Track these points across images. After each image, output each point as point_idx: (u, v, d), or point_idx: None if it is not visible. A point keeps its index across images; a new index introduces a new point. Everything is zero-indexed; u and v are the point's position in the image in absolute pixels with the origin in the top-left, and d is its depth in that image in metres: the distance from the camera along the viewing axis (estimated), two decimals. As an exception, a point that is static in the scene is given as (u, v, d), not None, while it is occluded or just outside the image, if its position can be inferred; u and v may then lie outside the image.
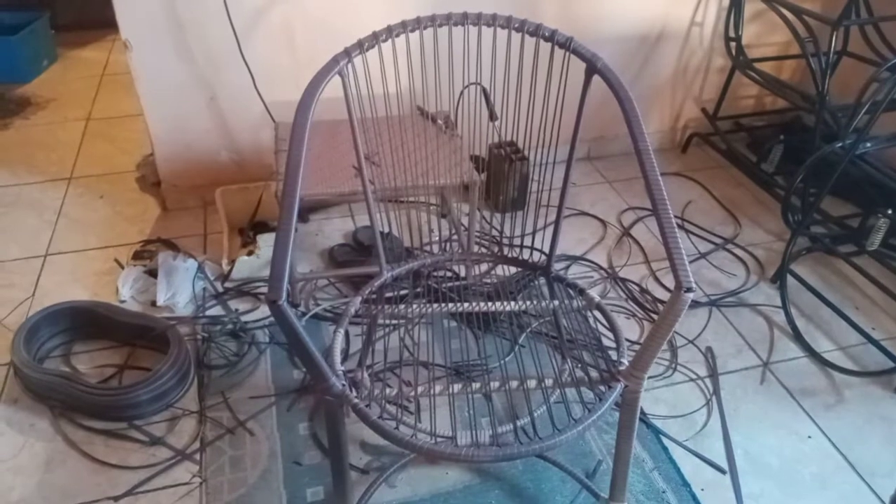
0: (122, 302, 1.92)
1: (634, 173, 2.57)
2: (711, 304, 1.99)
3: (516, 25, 1.23)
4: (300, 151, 1.08)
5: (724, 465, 1.54)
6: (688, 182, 2.57)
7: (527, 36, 1.23)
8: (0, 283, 1.99)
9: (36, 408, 1.62)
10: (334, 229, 2.26)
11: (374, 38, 1.20)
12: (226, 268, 1.96)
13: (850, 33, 2.37)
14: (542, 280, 1.44)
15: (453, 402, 1.31)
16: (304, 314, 1.89)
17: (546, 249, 1.43)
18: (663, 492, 1.47)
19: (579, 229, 2.28)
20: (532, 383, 1.17)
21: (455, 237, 2.15)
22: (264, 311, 1.90)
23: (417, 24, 1.22)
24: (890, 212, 1.88)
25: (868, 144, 1.83)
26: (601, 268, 2.11)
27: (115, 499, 1.43)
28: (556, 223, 1.40)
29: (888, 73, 1.74)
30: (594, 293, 1.37)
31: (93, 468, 1.49)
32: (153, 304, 1.89)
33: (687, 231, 2.29)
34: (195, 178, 2.28)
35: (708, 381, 1.74)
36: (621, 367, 1.16)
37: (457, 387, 1.16)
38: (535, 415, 1.52)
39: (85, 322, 1.78)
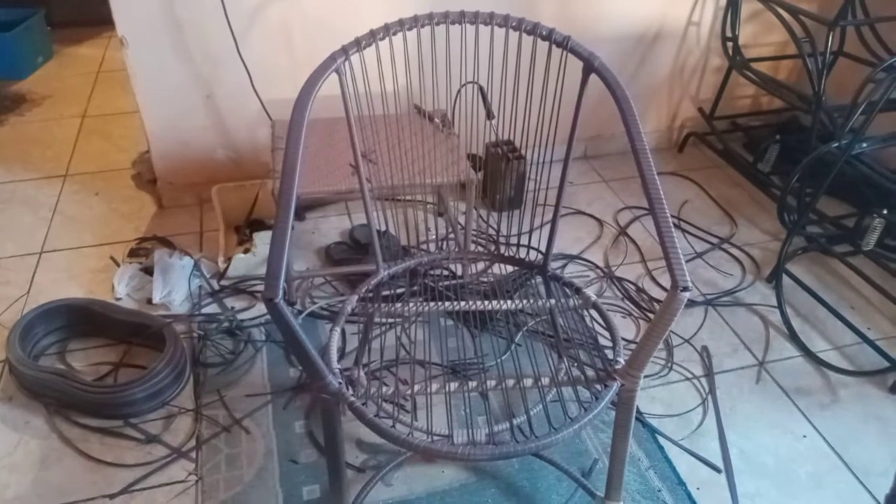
0: (118, 299, 1.91)
1: (631, 172, 2.57)
2: (707, 304, 1.99)
3: (514, 24, 1.23)
4: (297, 149, 1.08)
5: (720, 464, 1.54)
6: (684, 181, 2.57)
7: (524, 35, 1.23)
8: (-5, 280, 1.99)
9: (31, 405, 1.61)
10: (331, 227, 2.25)
11: (372, 37, 1.20)
12: (222, 266, 1.96)
13: (847, 34, 2.38)
14: (539, 279, 1.44)
15: (450, 401, 1.31)
16: (300, 312, 1.89)
17: (543, 248, 1.43)
18: (659, 491, 1.48)
19: (576, 228, 2.28)
20: (528, 382, 1.17)
21: (452, 236, 2.15)
22: (260, 309, 1.90)
23: (415, 22, 1.22)
24: (885, 212, 1.89)
25: (864, 145, 1.83)
26: (598, 267, 2.11)
27: (111, 497, 1.43)
28: (553, 222, 1.40)
29: (884, 74, 1.75)
30: (591, 292, 1.37)
31: (88, 466, 1.49)
32: (149, 301, 1.89)
33: (683, 230, 2.30)
34: (191, 176, 2.28)
35: (704, 380, 1.75)
36: (617, 366, 1.17)
37: (453, 385, 1.16)
38: (532, 413, 1.53)
39: (80, 319, 1.78)
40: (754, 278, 2.10)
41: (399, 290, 1.41)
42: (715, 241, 2.25)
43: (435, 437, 1.08)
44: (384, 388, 1.16)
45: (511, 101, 1.35)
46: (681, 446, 1.58)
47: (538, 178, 1.51)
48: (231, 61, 2.06)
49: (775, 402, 1.70)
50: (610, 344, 1.24)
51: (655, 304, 1.98)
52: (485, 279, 2.00)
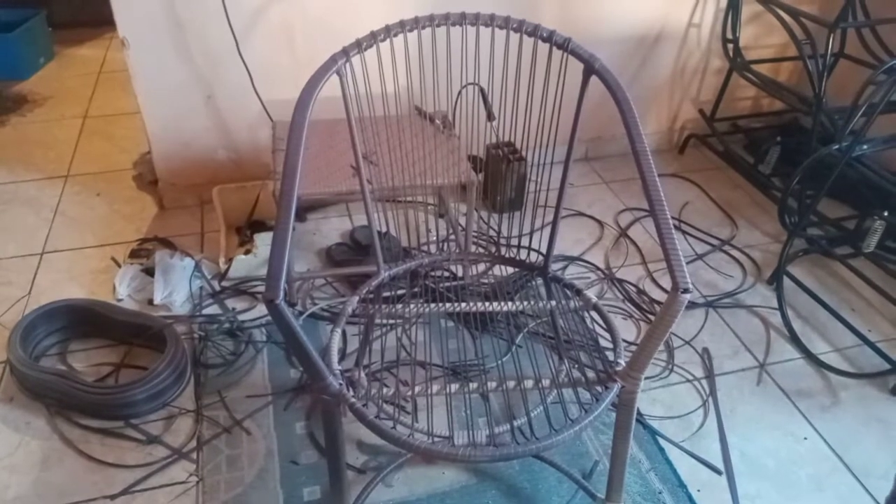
0: (119, 300, 1.91)
1: (632, 174, 2.57)
2: (708, 306, 1.99)
3: (514, 26, 1.23)
4: (298, 150, 1.08)
5: (721, 466, 1.54)
6: (685, 183, 2.57)
7: (525, 36, 1.24)
8: (-4, 280, 1.99)
9: (32, 406, 1.61)
10: (332, 228, 2.26)
11: (373, 38, 1.20)
12: (223, 266, 1.96)
13: (847, 36, 2.38)
14: (540, 280, 1.44)
15: (450, 402, 1.31)
16: (301, 313, 1.89)
17: (543, 250, 1.43)
18: (660, 493, 1.48)
19: (576, 230, 2.28)
20: (529, 383, 1.17)
21: (452, 237, 2.15)
22: (261, 310, 1.90)
23: (416, 23, 1.22)
24: (886, 214, 1.89)
25: (864, 147, 1.83)
26: (598, 268, 2.11)
27: (112, 497, 1.43)
28: (554, 224, 1.40)
29: (885, 76, 1.75)
30: (591, 294, 1.37)
31: (89, 467, 1.49)
32: (150, 302, 1.89)
33: (684, 232, 2.30)
34: (192, 177, 2.28)
35: (704, 382, 1.75)
36: (618, 368, 1.17)
37: (454, 387, 1.16)
38: (532, 415, 1.52)
39: (81, 320, 1.78)
40: (755, 280, 2.10)
41: (400, 292, 1.42)
42: (715, 242, 2.25)
43: (435, 439, 1.08)
44: (385, 390, 1.16)
45: (512, 103, 1.35)
46: (681, 448, 1.57)
47: (539, 180, 1.50)
48: (232, 62, 2.06)
49: (776, 404, 1.70)
50: (610, 346, 1.24)
51: (656, 305, 1.98)
52: (485, 280, 2.00)
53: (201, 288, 1.97)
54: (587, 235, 2.26)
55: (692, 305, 1.98)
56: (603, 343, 1.71)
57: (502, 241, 2.18)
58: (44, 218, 2.27)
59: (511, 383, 1.17)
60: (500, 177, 2.26)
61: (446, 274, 2.01)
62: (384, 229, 1.68)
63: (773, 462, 1.56)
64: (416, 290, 1.39)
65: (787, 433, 1.63)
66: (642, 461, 1.54)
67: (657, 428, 1.61)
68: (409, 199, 2.33)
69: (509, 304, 1.36)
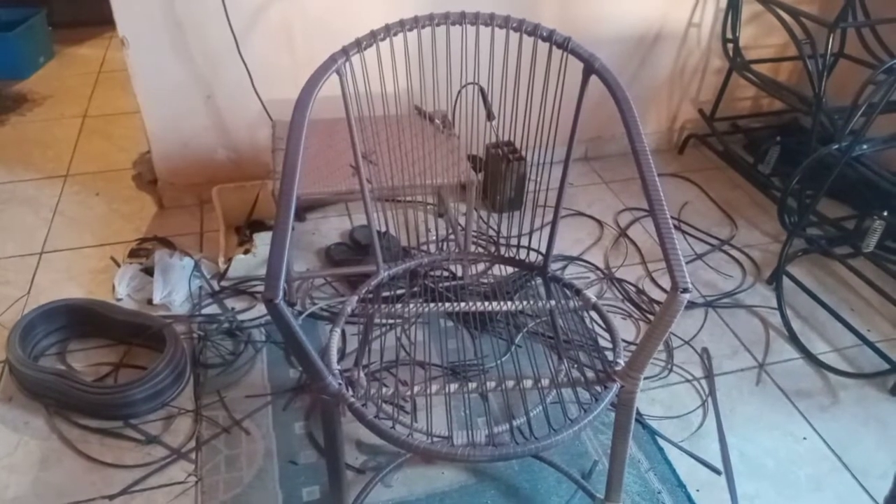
0: (118, 300, 1.91)
1: (631, 174, 2.57)
2: (707, 306, 1.99)
3: (514, 25, 1.23)
4: (297, 150, 1.08)
5: (720, 466, 1.54)
6: (684, 183, 2.57)
7: (525, 36, 1.23)
8: (-5, 280, 1.99)
9: (31, 406, 1.61)
10: (331, 228, 2.25)
11: (372, 38, 1.20)
12: (222, 266, 1.96)
13: (847, 36, 2.38)
14: (539, 280, 1.44)
15: (449, 402, 1.31)
16: (300, 313, 1.89)
17: (543, 250, 1.43)
18: (659, 492, 1.48)
19: (576, 230, 2.28)
20: (528, 383, 1.17)
21: (452, 237, 2.15)
22: (261, 309, 1.90)
23: (415, 23, 1.22)
24: (886, 213, 1.89)
25: (864, 146, 1.83)
26: (598, 268, 2.11)
27: (111, 497, 1.43)
28: (553, 223, 1.40)
29: (884, 76, 1.75)
30: (591, 293, 1.37)
31: (88, 467, 1.49)
32: (149, 302, 1.89)
33: (683, 232, 2.30)
34: (192, 176, 2.28)
35: (704, 382, 1.75)
36: (617, 368, 1.16)
37: (453, 386, 1.16)
38: (532, 415, 1.52)
39: (80, 320, 1.78)
40: (754, 280, 2.10)
41: (399, 291, 1.41)
42: (715, 242, 2.25)
43: (435, 439, 1.08)
44: (384, 390, 1.16)
45: (511, 103, 1.35)
46: (681, 448, 1.57)
47: (538, 180, 1.50)
48: (232, 61, 2.06)
49: (775, 404, 1.70)
50: (610, 345, 1.24)
51: (655, 305, 1.98)
52: (485, 280, 2.00)
53: (200, 287, 1.96)
54: (587, 235, 2.26)
55: (691, 305, 1.98)
56: (602, 343, 1.71)
57: (502, 240, 2.18)
58: (43, 217, 2.26)
59: (510, 383, 1.17)
60: (499, 176, 2.26)
61: (446, 274, 2.01)
62: (383, 229, 1.68)
63: (772, 462, 1.56)
64: (415, 289, 1.39)
65: (786, 433, 1.63)
66: (641, 461, 1.54)
67: (656, 428, 1.61)
68: (408, 198, 2.33)
69: (509, 303, 1.36)
